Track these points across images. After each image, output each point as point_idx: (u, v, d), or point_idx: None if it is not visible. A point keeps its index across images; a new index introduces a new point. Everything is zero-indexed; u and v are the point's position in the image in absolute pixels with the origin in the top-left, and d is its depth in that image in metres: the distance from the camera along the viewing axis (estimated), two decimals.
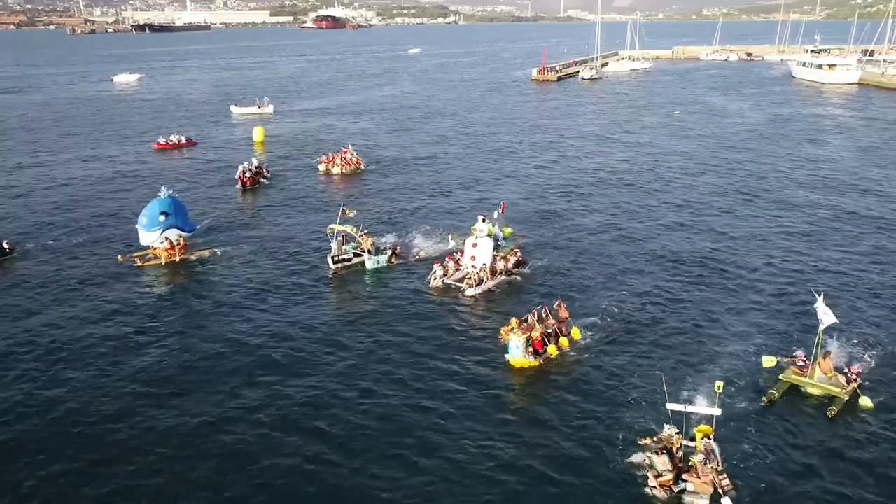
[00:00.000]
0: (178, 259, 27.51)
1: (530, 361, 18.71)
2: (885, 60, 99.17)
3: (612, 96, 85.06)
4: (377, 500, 14.11)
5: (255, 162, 41.32)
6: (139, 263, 27.15)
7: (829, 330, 18.83)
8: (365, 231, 27.46)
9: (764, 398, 16.97)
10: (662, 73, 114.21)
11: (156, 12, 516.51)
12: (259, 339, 20.86)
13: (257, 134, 54.06)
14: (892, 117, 64.10)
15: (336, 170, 43.13)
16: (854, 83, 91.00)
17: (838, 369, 17.32)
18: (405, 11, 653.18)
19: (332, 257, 26.64)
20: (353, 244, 27.20)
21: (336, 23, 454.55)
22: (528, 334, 18.89)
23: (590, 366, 18.95)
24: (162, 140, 51.77)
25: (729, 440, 15.23)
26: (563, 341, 19.42)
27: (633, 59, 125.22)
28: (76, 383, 18.34)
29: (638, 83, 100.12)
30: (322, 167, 43.67)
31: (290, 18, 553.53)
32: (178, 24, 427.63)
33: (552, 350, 19.06)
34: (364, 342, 20.65)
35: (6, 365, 19.38)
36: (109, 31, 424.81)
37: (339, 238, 26.97)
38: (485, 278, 24.17)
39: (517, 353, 18.60)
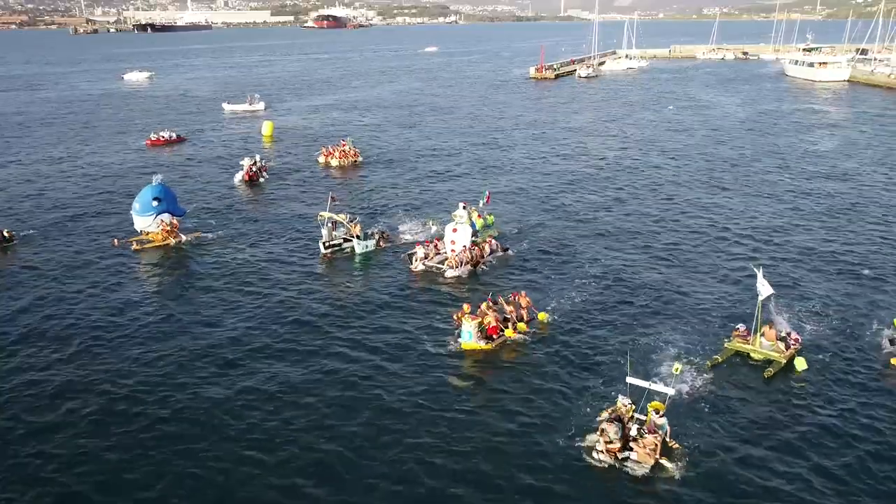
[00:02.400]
0: (172, 242, 29.05)
1: (481, 346, 19.55)
2: (875, 59, 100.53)
3: (608, 93, 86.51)
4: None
5: (257, 157, 42.61)
6: (135, 247, 28.66)
7: (776, 303, 20.38)
8: (354, 218, 29.00)
9: (708, 362, 18.50)
10: (659, 71, 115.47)
11: (157, 12, 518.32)
12: (249, 321, 22.00)
13: (266, 128, 55.83)
14: (878, 112, 65.61)
15: (335, 162, 44.71)
16: (844, 80, 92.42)
17: (780, 338, 18.79)
18: (406, 11, 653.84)
19: (323, 243, 28.14)
20: (342, 230, 28.76)
21: (337, 22, 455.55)
22: (480, 320, 19.76)
23: (553, 347, 19.80)
24: (153, 136, 53.37)
25: (675, 402, 16.51)
26: (521, 326, 20.15)
27: (630, 58, 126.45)
28: (74, 367, 19.15)
29: (634, 81, 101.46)
30: (321, 159, 45.29)
31: (291, 18, 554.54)
32: (179, 23, 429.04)
33: (509, 333, 19.91)
34: (344, 320, 22.01)
35: (7, 348, 20.28)
36: (111, 30, 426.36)
37: (329, 224, 28.52)
38: (464, 260, 25.70)
39: (467, 338, 19.47)
